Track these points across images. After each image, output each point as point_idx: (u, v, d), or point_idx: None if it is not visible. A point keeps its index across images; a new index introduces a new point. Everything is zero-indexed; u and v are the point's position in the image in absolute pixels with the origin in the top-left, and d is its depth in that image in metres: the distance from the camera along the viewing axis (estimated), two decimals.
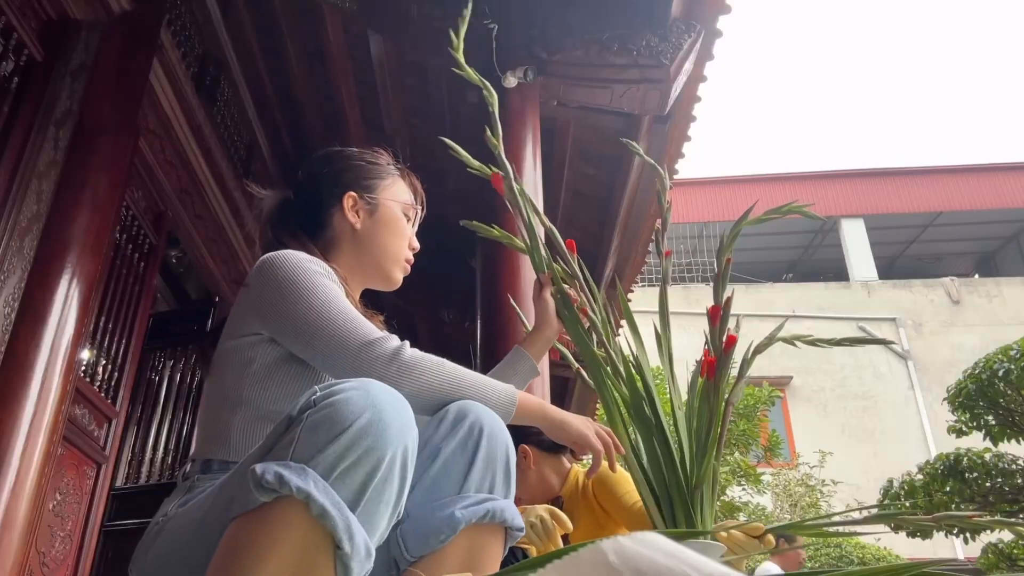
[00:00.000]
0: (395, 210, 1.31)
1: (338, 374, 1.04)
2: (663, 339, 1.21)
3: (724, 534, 1.08)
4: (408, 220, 1.34)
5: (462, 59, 1.27)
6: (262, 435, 1.02)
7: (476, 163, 1.29)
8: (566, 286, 1.31)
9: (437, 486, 1.00)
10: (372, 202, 1.29)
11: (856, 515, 1.00)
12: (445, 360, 1.08)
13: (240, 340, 1.10)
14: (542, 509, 1.52)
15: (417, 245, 1.36)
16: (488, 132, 1.28)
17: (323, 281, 1.09)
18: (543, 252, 1.31)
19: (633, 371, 1.14)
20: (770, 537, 1.17)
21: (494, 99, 1.31)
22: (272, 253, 1.13)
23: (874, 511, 1.01)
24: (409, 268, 1.34)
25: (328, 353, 1.03)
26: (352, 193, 1.28)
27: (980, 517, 0.91)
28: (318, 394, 0.85)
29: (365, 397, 0.83)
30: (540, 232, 1.30)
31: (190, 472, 1.07)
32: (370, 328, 1.06)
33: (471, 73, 1.28)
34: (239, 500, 0.83)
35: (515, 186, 1.27)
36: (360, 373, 1.00)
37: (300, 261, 1.11)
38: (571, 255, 1.26)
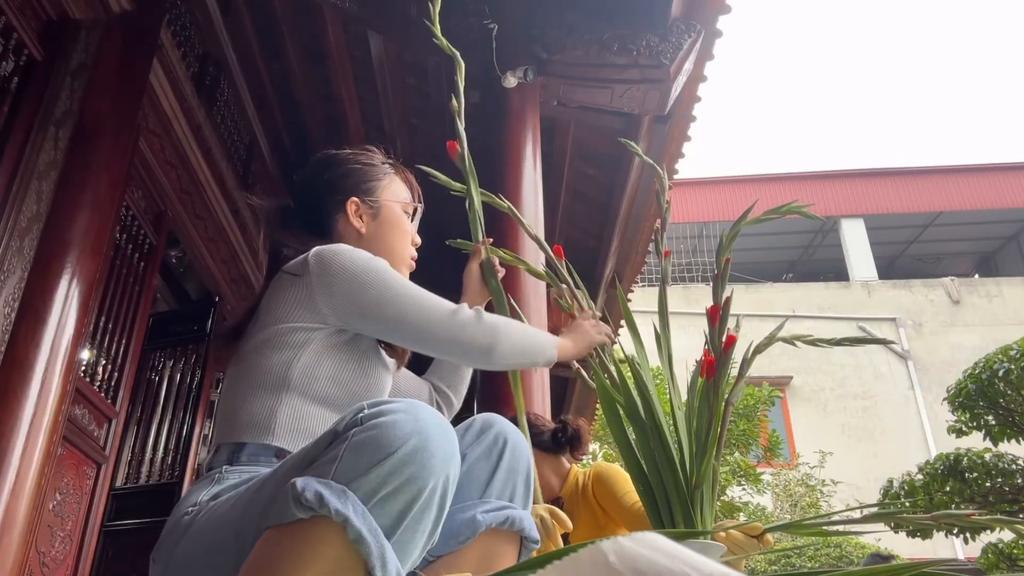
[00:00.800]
0: (396, 210, 1.33)
1: (434, 345, 1.12)
2: (663, 339, 1.21)
3: (723, 534, 1.08)
4: (409, 217, 1.36)
5: (438, 29, 1.31)
6: (308, 420, 1.06)
7: (457, 185, 1.35)
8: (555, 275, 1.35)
9: (460, 490, 1.02)
10: (374, 205, 1.31)
11: (856, 514, 1.00)
12: (504, 318, 1.20)
13: (287, 326, 1.12)
14: (542, 509, 1.52)
15: (419, 241, 1.38)
16: (453, 100, 1.34)
17: (388, 267, 1.15)
18: (480, 225, 1.39)
19: (632, 372, 1.14)
20: (768, 536, 1.17)
21: (461, 67, 1.36)
22: (327, 247, 1.16)
23: (874, 510, 1.01)
24: (414, 265, 1.36)
25: (422, 326, 1.10)
26: (355, 199, 1.30)
27: (979, 515, 0.91)
28: (365, 412, 0.85)
29: (413, 422, 0.83)
30: (478, 202, 1.37)
31: (215, 462, 1.06)
32: (444, 300, 1.14)
33: (443, 41, 1.33)
34: (276, 510, 0.82)
35: (466, 158, 1.34)
36: (456, 338, 1.10)
37: (359, 251, 1.16)
38: (559, 260, 1.28)
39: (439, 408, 1.44)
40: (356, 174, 1.32)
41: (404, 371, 1.40)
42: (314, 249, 1.15)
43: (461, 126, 1.34)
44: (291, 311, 1.13)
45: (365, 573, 0.80)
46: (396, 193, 1.35)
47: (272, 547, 0.81)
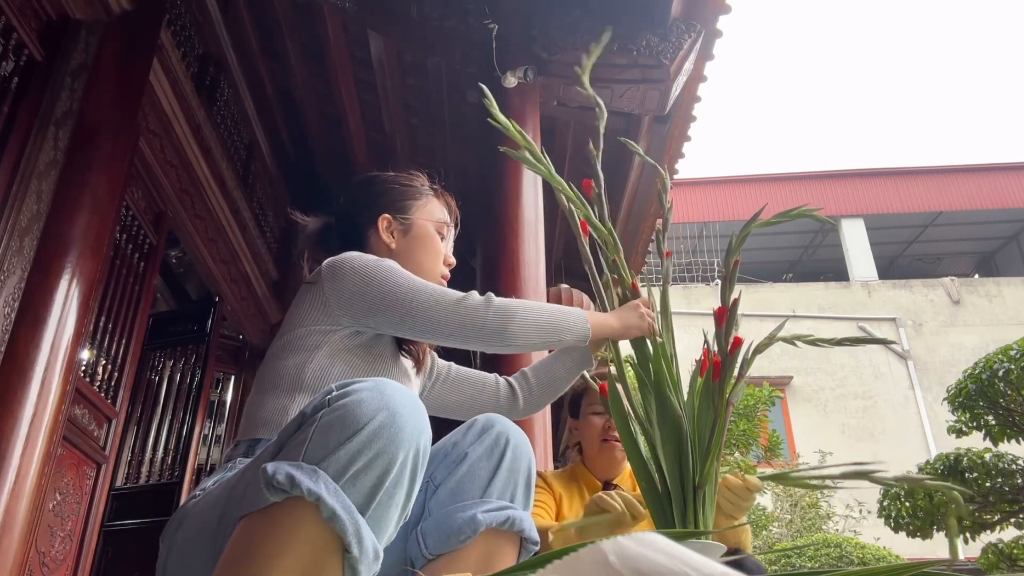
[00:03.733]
0: (428, 228, 1.37)
1: (445, 334, 1.14)
2: (665, 339, 1.21)
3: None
4: (442, 237, 1.39)
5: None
6: None
7: (515, 129, 1.28)
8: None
9: (461, 489, 1.03)
10: (406, 222, 1.36)
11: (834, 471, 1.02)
12: (520, 299, 1.21)
13: (304, 329, 1.16)
14: (621, 496, 1.51)
15: (453, 261, 1.42)
16: (591, 144, 1.34)
17: (396, 265, 1.19)
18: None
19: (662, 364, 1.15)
20: (753, 480, 1.25)
21: (604, 116, 1.35)
22: (338, 256, 1.20)
23: (852, 467, 1.02)
24: (446, 283, 1.38)
25: (429, 315, 1.12)
26: (387, 215, 1.35)
27: (930, 480, 0.93)
28: (333, 393, 0.86)
29: (379, 398, 0.84)
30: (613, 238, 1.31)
31: (233, 453, 1.09)
32: (452, 289, 1.17)
33: (592, 93, 1.32)
34: (250, 497, 0.83)
35: (596, 189, 1.36)
36: (465, 324, 1.12)
37: (368, 255, 1.21)
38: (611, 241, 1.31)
39: (512, 392, 1.44)
40: (392, 193, 1.38)
41: (462, 370, 1.43)
42: (326, 260, 1.21)
43: (598, 167, 1.39)
44: (307, 316, 1.18)
45: (342, 551, 0.80)
46: (431, 213, 1.39)
47: (248, 534, 0.82)
